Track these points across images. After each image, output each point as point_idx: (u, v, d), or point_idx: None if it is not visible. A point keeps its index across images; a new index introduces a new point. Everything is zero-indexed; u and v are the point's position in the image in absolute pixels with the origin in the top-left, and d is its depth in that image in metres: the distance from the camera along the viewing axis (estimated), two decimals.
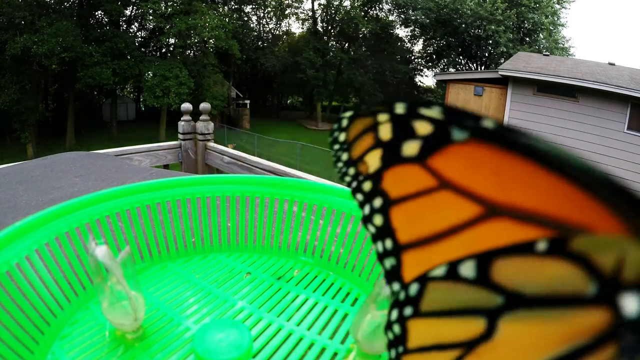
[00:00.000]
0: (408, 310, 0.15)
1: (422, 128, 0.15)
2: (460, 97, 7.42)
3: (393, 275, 0.16)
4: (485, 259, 0.13)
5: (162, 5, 10.18)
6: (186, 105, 2.13)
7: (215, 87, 11.18)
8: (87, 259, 0.28)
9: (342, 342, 0.31)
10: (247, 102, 13.73)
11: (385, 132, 0.16)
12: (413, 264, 0.16)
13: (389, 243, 0.16)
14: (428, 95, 16.53)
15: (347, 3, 13.90)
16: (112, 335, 0.30)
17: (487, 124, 0.13)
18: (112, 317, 0.29)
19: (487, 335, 0.12)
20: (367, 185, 0.17)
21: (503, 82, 6.82)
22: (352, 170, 0.18)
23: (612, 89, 5.56)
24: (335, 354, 0.30)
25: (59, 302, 0.32)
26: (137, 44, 11.12)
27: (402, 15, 14.15)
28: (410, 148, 0.15)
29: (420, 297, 0.15)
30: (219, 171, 2.10)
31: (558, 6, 12.90)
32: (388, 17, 14.58)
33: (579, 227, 0.11)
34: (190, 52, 11.74)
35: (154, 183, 0.41)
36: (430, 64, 15.60)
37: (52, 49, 8.36)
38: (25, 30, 8.53)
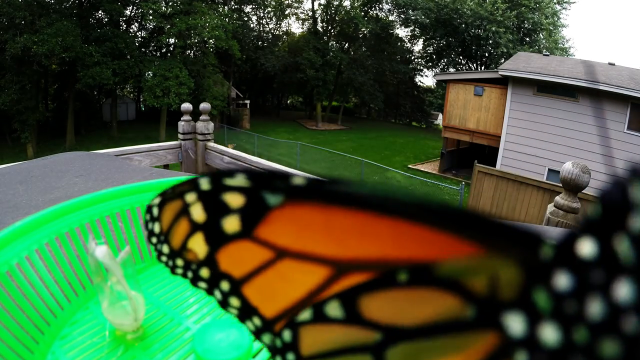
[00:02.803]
0: (290, 356, 0.14)
1: (234, 200, 0.14)
2: (460, 97, 7.41)
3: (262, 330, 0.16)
4: (348, 297, 0.12)
5: (162, 5, 10.18)
6: (186, 105, 2.13)
7: (215, 87, 11.18)
8: (87, 259, 0.28)
9: None
10: (247, 102, 13.73)
11: (198, 212, 0.15)
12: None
13: (257, 321, 0.15)
14: (428, 95, 16.52)
15: (347, 3, 13.90)
16: (112, 335, 0.30)
17: (297, 181, 0.12)
18: (112, 317, 0.29)
19: None
20: (204, 272, 0.16)
21: (503, 82, 6.81)
22: (179, 262, 0.16)
23: (612, 89, 5.56)
24: None
25: (59, 302, 0.32)
26: (137, 44, 11.12)
27: (402, 15, 14.16)
28: (230, 224, 0.14)
29: (297, 342, 0.14)
30: None
31: (558, 7, 12.90)
32: (388, 17, 14.59)
33: (430, 261, 0.11)
34: (190, 52, 11.74)
35: (154, 183, 0.41)
36: (430, 64, 15.61)
37: (52, 49, 8.35)
38: (26, 30, 8.52)
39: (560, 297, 0.08)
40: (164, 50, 12.30)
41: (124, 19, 11.45)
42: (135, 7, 11.14)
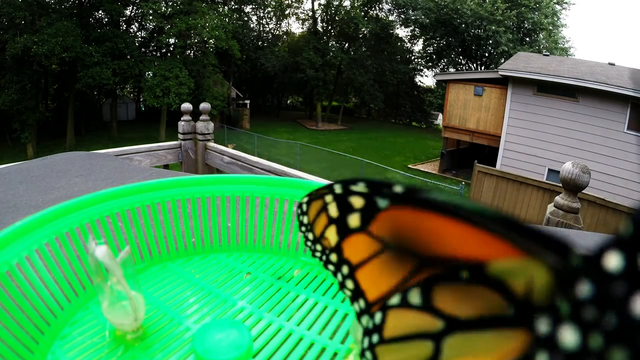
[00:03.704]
0: (375, 338, 0.16)
1: (357, 202, 0.18)
2: (460, 97, 7.41)
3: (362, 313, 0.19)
4: (426, 286, 0.14)
5: (162, 5, 10.17)
6: (186, 105, 2.13)
7: (215, 87, 11.18)
8: (87, 259, 0.28)
9: (342, 342, 0.31)
10: (247, 102, 13.73)
11: (333, 210, 0.19)
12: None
13: (362, 303, 0.18)
14: (428, 95, 16.53)
15: (347, 3, 13.90)
16: (112, 335, 0.30)
17: (397, 189, 0.16)
18: (112, 317, 0.29)
19: (435, 357, 0.14)
20: (333, 257, 0.20)
21: (503, 82, 6.81)
22: (319, 247, 0.21)
23: (612, 89, 5.56)
24: (335, 354, 0.30)
25: (59, 302, 0.32)
26: (137, 44, 11.12)
27: (402, 15, 14.16)
28: (353, 220, 0.18)
29: (383, 324, 0.16)
30: (219, 171, 2.10)
31: (558, 7, 12.90)
32: (388, 17, 14.58)
33: (484, 261, 0.13)
34: (190, 52, 11.74)
35: (154, 183, 0.41)
36: (430, 64, 15.61)
37: (52, 49, 8.35)
38: (26, 30, 8.53)
39: (581, 304, 0.09)
40: (164, 50, 12.29)
41: (124, 19, 11.45)
42: (135, 7, 11.14)
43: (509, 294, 0.11)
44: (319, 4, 14.37)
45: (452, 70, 13.98)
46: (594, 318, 0.08)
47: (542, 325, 0.10)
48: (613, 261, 0.08)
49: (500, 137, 6.92)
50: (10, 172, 0.79)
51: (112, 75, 9.51)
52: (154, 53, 12.13)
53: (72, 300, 0.33)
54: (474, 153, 7.84)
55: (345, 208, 0.19)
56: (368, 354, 0.17)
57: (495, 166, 6.33)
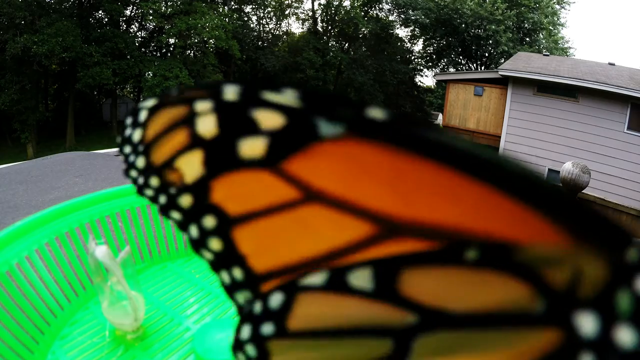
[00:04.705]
0: (267, 328, 0.11)
1: (269, 120, 0.11)
2: (460, 97, 7.41)
3: (241, 286, 0.13)
4: (387, 267, 0.10)
5: (162, 5, 10.17)
6: None
7: None
8: (87, 259, 0.28)
9: None
10: None
11: (208, 126, 0.12)
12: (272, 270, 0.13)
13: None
14: (428, 95, 16.53)
15: (347, 3, 13.89)
16: (112, 335, 0.30)
17: (376, 114, 0.10)
18: (112, 317, 0.29)
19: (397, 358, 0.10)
20: (185, 200, 0.13)
21: (503, 82, 6.81)
22: (154, 181, 0.14)
23: (612, 89, 5.55)
24: None
25: (59, 302, 0.32)
26: (137, 44, 11.11)
27: (402, 15, 14.14)
28: (252, 148, 0.12)
29: (287, 311, 0.11)
30: None
31: (558, 6, 12.90)
32: (388, 17, 14.57)
33: (512, 242, 0.09)
34: (190, 52, 11.73)
35: None
36: (430, 64, 15.59)
37: (52, 49, 8.34)
38: (25, 30, 8.52)
39: None
40: (164, 50, 12.29)
41: (124, 19, 11.44)
42: (135, 7, 11.13)
43: (542, 285, 0.09)
44: (319, 4, 14.37)
45: (452, 70, 13.98)
46: None
47: (589, 324, 0.08)
48: None
49: (500, 137, 6.91)
50: (10, 172, 0.79)
51: (112, 75, 9.50)
52: (154, 53, 12.12)
53: (72, 300, 0.33)
54: None
55: (238, 126, 0.12)
56: (250, 350, 0.12)
57: None
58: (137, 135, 0.14)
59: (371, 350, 0.10)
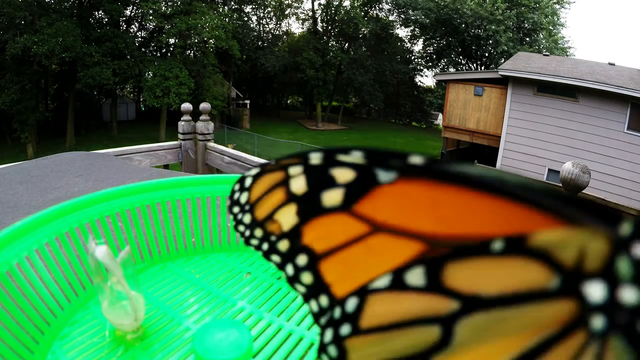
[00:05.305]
0: (345, 329, 0.14)
1: (343, 175, 0.15)
2: (460, 97, 7.41)
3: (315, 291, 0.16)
4: (434, 265, 0.12)
5: (162, 5, 10.18)
6: (186, 105, 2.13)
7: (215, 87, 11.18)
8: (87, 259, 0.28)
9: None
10: (247, 102, 13.73)
11: (299, 184, 0.16)
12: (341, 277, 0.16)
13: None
14: (428, 95, 16.53)
15: (347, 3, 13.89)
16: (112, 335, 0.30)
17: (416, 160, 0.13)
18: (112, 317, 0.29)
19: (444, 343, 0.12)
20: (283, 245, 0.17)
21: (503, 82, 6.81)
22: (258, 232, 0.17)
23: (612, 89, 5.55)
24: None
25: (59, 302, 0.32)
26: (137, 44, 11.12)
27: (402, 15, 14.15)
28: (332, 198, 0.15)
29: (360, 312, 0.14)
30: (219, 171, 2.10)
31: (558, 6, 12.90)
32: (388, 17, 14.58)
33: (526, 233, 0.11)
34: (190, 52, 11.74)
35: (154, 183, 0.41)
36: (430, 64, 15.61)
37: (52, 49, 8.35)
38: (26, 30, 8.52)
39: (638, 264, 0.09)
40: (164, 50, 12.30)
41: (124, 19, 11.45)
42: (135, 7, 11.14)
43: (555, 264, 0.11)
44: (319, 4, 14.37)
45: (452, 70, 13.99)
46: None
47: (596, 291, 0.10)
48: None
49: (500, 137, 6.92)
50: (10, 172, 0.79)
51: (112, 75, 9.51)
52: (154, 53, 12.13)
53: (72, 300, 0.33)
54: (474, 153, 7.85)
55: (321, 183, 0.15)
56: (332, 350, 0.14)
57: (495, 166, 6.33)
58: (243, 198, 0.18)
59: (424, 336, 0.12)
